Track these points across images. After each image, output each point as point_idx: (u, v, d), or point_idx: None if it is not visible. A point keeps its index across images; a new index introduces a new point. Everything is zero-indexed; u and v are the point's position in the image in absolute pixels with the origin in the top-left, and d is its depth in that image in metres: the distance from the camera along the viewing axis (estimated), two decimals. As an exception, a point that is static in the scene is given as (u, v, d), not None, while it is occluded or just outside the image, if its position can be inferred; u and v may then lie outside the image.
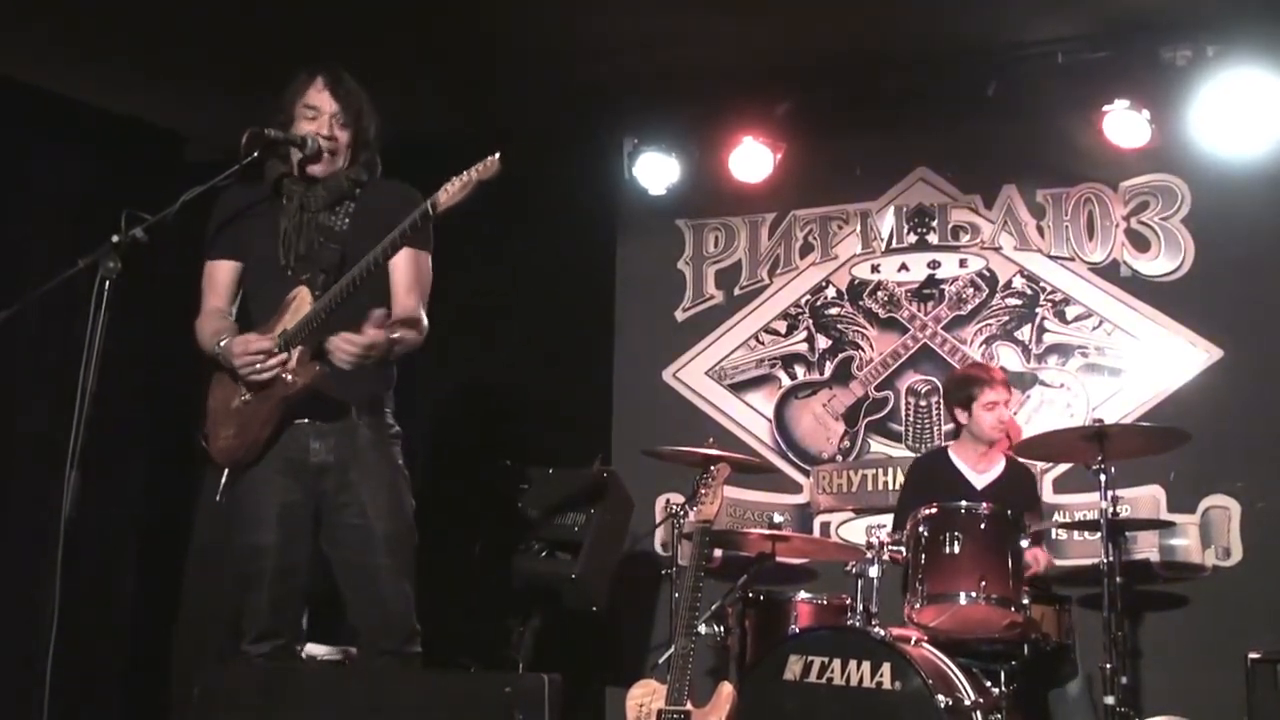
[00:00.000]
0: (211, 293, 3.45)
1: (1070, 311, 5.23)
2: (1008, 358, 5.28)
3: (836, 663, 3.81)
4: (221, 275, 3.45)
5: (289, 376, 3.21)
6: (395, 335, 3.26)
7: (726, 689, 3.82)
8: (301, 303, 3.26)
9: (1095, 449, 4.05)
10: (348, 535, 3.30)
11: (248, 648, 3.29)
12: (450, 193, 3.04)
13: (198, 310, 3.49)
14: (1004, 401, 4.72)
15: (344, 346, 3.14)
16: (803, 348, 5.64)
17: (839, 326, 5.59)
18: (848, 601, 4.19)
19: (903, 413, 5.42)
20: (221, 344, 3.29)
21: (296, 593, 3.33)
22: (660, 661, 4.09)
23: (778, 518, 4.69)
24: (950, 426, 5.00)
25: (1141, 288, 5.14)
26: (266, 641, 3.28)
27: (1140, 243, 5.17)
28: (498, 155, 3.01)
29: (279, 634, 3.31)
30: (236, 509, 3.35)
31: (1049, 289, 5.28)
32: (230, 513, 3.37)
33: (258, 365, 3.22)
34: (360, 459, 3.31)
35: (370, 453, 3.33)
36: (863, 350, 5.53)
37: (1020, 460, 4.71)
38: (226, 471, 3.34)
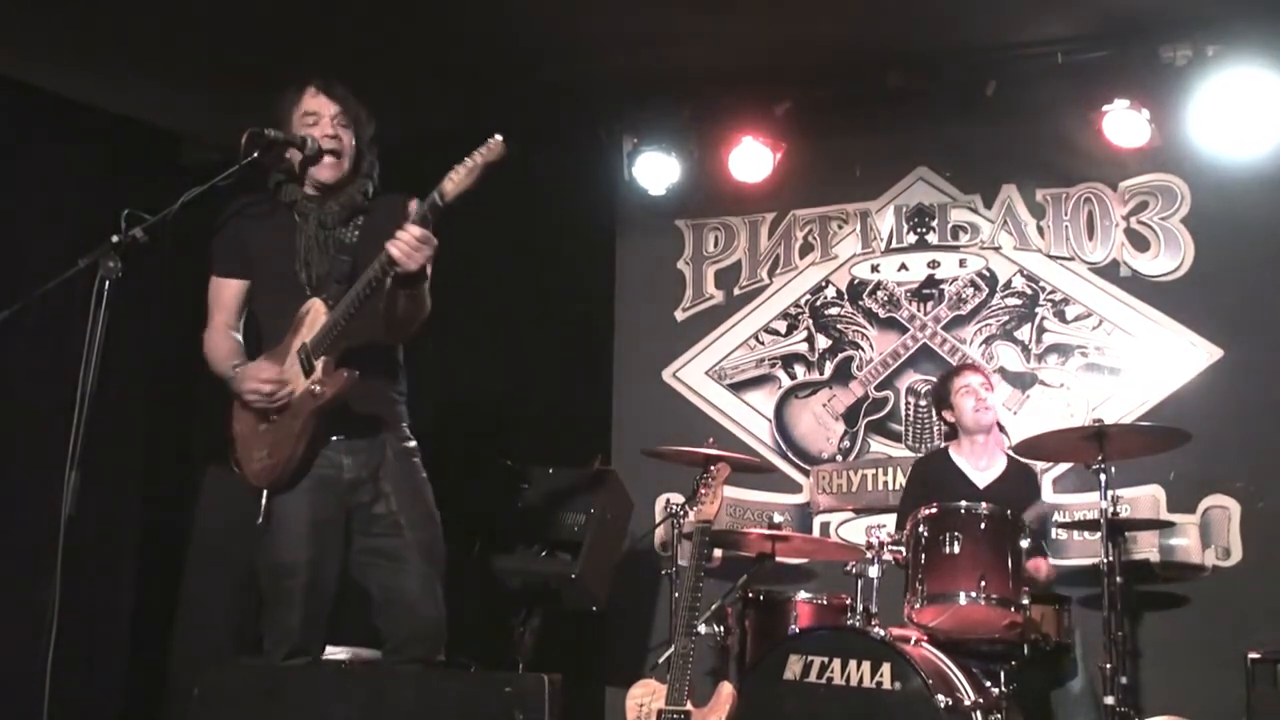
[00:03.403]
0: (218, 309, 3.45)
1: (1070, 311, 5.23)
2: (1008, 358, 5.28)
3: (836, 663, 3.81)
4: (229, 293, 3.45)
5: (317, 388, 3.21)
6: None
7: (726, 689, 3.82)
8: (317, 314, 3.26)
9: (1095, 449, 4.05)
10: (382, 545, 3.32)
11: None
12: (456, 180, 3.02)
13: (198, 312, 3.50)
14: (981, 385, 4.73)
15: (403, 236, 3.04)
16: (802, 347, 5.64)
17: (839, 326, 5.59)
18: (848, 601, 4.20)
19: (902, 413, 5.42)
20: (235, 369, 3.31)
21: (325, 608, 3.34)
22: (660, 661, 4.09)
23: (778, 518, 4.69)
24: (947, 431, 5.01)
25: (1141, 288, 5.14)
26: (296, 659, 3.28)
27: (1140, 243, 5.17)
28: (500, 137, 2.99)
29: (308, 651, 3.31)
30: (269, 525, 3.34)
31: (1049, 289, 5.28)
32: (263, 529, 3.37)
33: (262, 398, 3.24)
34: (390, 471, 3.33)
35: (399, 464, 3.35)
36: (862, 350, 5.53)
37: (1021, 459, 4.71)
38: (265, 494, 3.31)
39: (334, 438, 3.30)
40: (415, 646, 3.30)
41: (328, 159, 3.35)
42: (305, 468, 3.28)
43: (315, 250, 3.33)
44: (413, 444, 3.44)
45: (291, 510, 3.30)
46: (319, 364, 3.21)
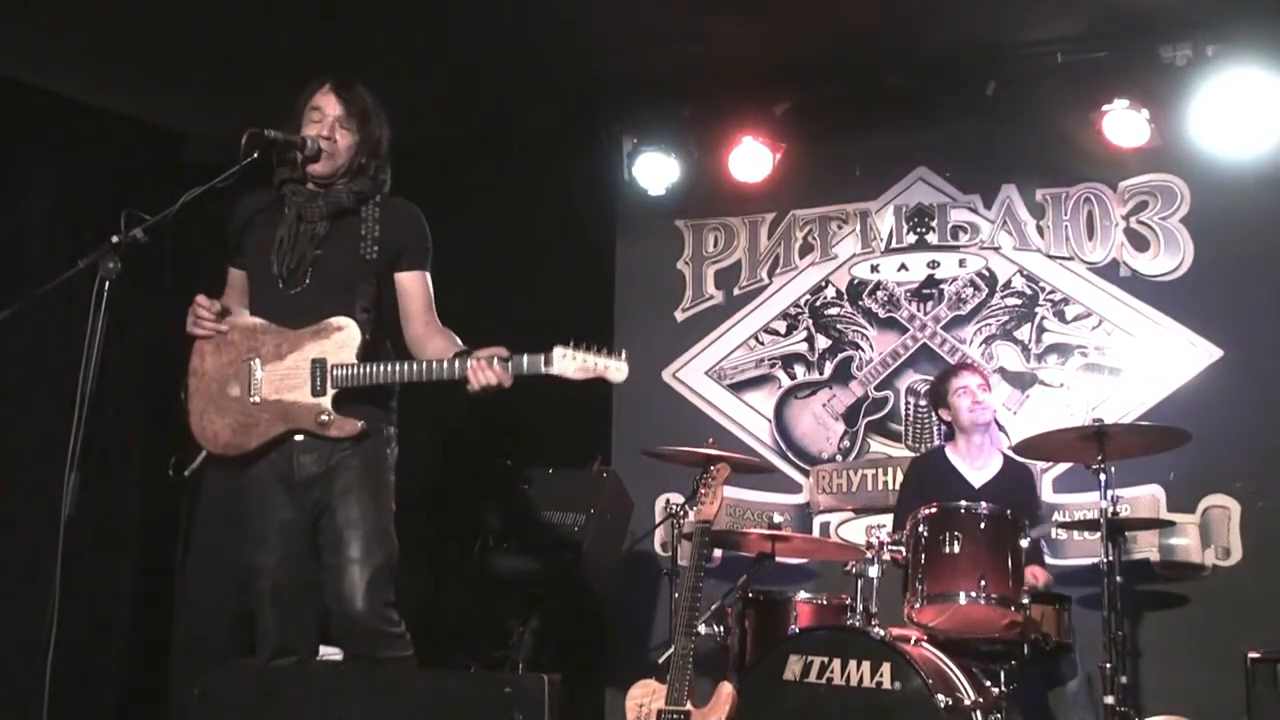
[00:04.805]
0: (226, 293, 3.51)
1: (1070, 311, 5.23)
2: (1007, 357, 5.28)
3: (836, 663, 3.81)
4: (235, 282, 3.51)
5: (326, 417, 3.23)
6: None
7: (726, 689, 3.82)
8: (350, 336, 3.26)
9: (1095, 449, 4.06)
10: (324, 539, 3.31)
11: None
12: (564, 362, 3.18)
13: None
14: (978, 386, 4.73)
15: (488, 374, 3.21)
16: (802, 347, 5.64)
17: (838, 326, 5.59)
18: (848, 601, 4.19)
19: (902, 412, 5.42)
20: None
21: (302, 606, 3.34)
22: (660, 661, 4.09)
23: (777, 518, 4.68)
24: (945, 430, 5.01)
25: (1141, 287, 5.14)
26: (282, 659, 3.29)
27: (1140, 242, 5.17)
28: (625, 361, 3.15)
29: (292, 650, 3.31)
30: (241, 529, 3.37)
31: (1048, 289, 5.28)
32: (237, 531, 3.40)
33: (196, 320, 3.31)
34: (340, 467, 3.31)
35: (351, 459, 3.31)
36: (862, 350, 5.53)
37: (1018, 459, 4.71)
38: (204, 454, 3.32)
39: (297, 437, 3.30)
40: (352, 642, 3.30)
41: (321, 155, 3.35)
42: (257, 459, 3.30)
43: (289, 241, 3.33)
44: (382, 438, 3.40)
45: (260, 513, 3.32)
46: (331, 393, 3.23)
